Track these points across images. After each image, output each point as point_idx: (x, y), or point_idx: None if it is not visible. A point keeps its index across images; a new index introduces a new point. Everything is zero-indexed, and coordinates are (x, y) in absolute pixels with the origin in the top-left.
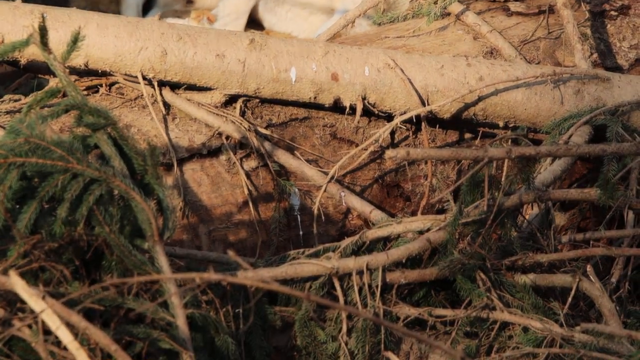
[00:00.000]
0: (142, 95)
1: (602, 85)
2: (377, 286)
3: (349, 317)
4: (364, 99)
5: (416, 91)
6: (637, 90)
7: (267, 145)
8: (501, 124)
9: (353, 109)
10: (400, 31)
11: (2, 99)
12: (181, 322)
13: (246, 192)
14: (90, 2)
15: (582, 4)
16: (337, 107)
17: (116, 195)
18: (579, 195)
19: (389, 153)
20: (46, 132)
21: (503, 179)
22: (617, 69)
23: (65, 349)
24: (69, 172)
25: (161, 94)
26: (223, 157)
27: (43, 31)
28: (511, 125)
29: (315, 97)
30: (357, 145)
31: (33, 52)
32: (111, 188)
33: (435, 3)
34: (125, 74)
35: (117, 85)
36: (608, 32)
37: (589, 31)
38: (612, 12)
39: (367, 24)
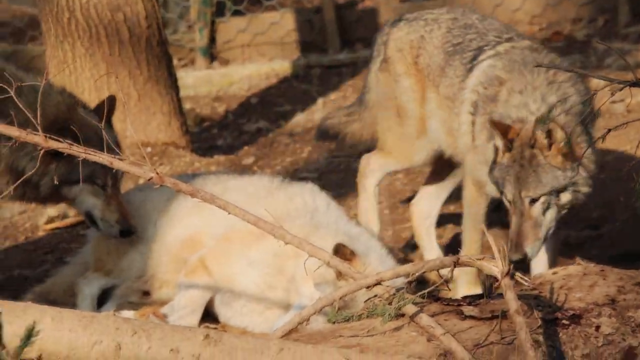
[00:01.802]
0: None
1: None
2: None
3: None
4: None
5: None
6: None
7: None
8: None
9: None
10: (354, 330)
11: None
12: None
13: None
14: (38, 295)
15: (534, 311)
16: None
17: None
18: None
19: None
20: None
21: None
22: None
23: None
24: None
25: None
26: None
27: None
28: None
29: None
30: None
31: None
32: None
33: (390, 304)
34: None
35: None
36: (560, 340)
37: (542, 338)
38: (564, 321)
39: (323, 321)
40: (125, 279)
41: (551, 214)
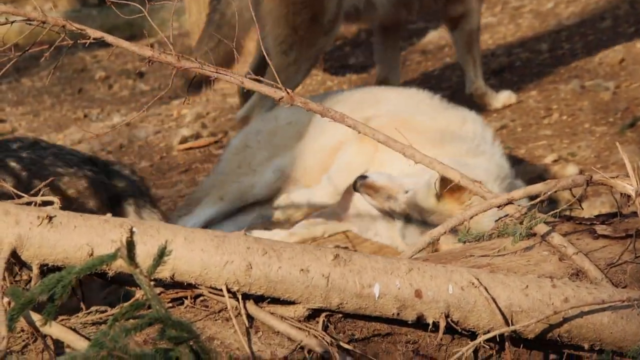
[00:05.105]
0: (226, 308)
1: None
2: None
3: None
4: (447, 316)
5: (500, 311)
6: None
7: None
8: (586, 346)
9: (436, 326)
10: (485, 250)
11: (89, 310)
12: None
13: None
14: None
15: None
16: (420, 324)
17: None
18: None
19: None
20: (129, 345)
21: None
22: None
23: None
24: None
25: (245, 307)
26: None
27: (130, 246)
28: (597, 348)
29: (398, 314)
30: None
31: (120, 265)
32: None
33: (521, 223)
34: (210, 287)
35: (201, 298)
36: None
37: None
38: None
39: (453, 242)
40: None
41: None
